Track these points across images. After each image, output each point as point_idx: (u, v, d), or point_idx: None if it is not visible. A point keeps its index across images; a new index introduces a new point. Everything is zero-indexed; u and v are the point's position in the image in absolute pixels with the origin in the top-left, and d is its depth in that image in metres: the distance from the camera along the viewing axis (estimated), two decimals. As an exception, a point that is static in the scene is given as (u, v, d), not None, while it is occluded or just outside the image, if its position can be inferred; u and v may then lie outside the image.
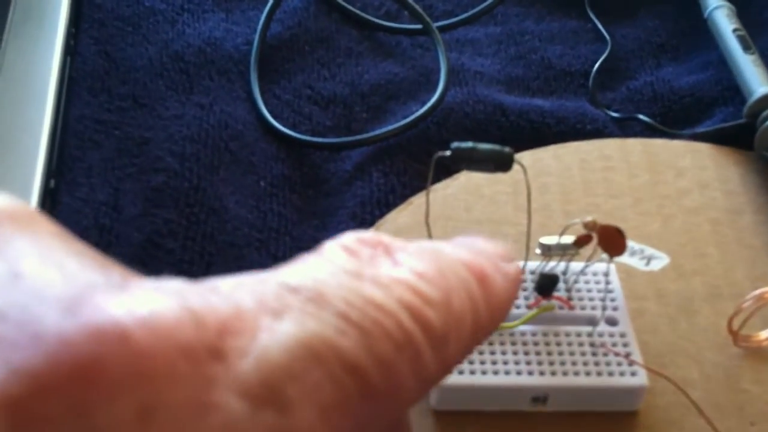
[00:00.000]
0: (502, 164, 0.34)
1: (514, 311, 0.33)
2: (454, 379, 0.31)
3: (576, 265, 0.34)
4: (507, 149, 0.34)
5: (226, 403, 0.14)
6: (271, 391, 0.14)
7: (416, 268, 0.19)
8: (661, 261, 0.33)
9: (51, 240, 0.16)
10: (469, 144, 0.34)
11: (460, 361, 0.21)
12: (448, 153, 0.34)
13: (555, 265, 0.34)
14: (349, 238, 0.19)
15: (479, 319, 0.20)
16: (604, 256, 0.33)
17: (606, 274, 0.35)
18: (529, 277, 0.34)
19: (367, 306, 0.17)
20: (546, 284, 0.33)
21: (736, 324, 0.34)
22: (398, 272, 0.18)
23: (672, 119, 0.46)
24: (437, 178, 0.40)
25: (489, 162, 0.34)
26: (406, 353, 0.17)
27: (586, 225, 0.32)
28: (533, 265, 0.34)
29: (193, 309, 0.15)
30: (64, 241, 0.16)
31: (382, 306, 0.17)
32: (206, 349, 0.14)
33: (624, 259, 0.33)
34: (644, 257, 0.34)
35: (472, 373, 0.31)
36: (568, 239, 0.33)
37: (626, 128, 0.45)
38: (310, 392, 0.15)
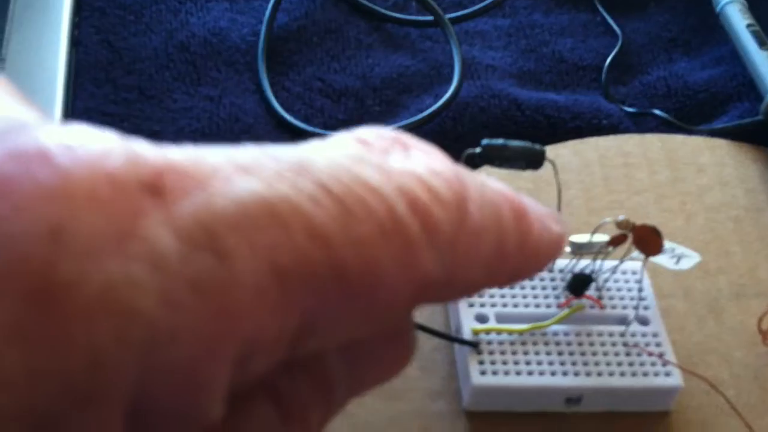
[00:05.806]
0: (534, 162, 0.33)
1: (545, 311, 0.33)
2: (487, 379, 0.31)
3: (605, 264, 0.34)
4: (538, 147, 0.33)
5: (154, 236, 0.14)
6: (209, 237, 0.14)
7: (432, 165, 0.17)
8: (691, 260, 0.33)
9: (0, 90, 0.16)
10: (500, 141, 0.33)
11: (473, 289, 0.19)
12: (478, 150, 0.33)
13: (585, 264, 0.34)
14: (367, 130, 0.18)
15: (505, 251, 0.18)
16: (636, 254, 0.32)
17: (635, 273, 0.34)
18: (558, 275, 0.34)
19: (355, 184, 0.16)
20: (579, 283, 0.33)
21: (766, 323, 0.34)
22: (408, 164, 0.17)
23: (687, 115, 0.45)
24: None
25: (521, 160, 0.33)
26: (393, 243, 0.16)
27: (619, 224, 0.32)
28: (562, 263, 0.34)
29: (131, 146, 0.14)
30: (14, 95, 0.16)
31: (373, 187, 0.16)
32: (139, 182, 0.14)
33: (654, 257, 0.32)
34: (674, 256, 0.33)
35: (506, 374, 0.31)
36: (600, 238, 0.33)
37: (641, 123, 0.45)
38: (260, 249, 0.14)
